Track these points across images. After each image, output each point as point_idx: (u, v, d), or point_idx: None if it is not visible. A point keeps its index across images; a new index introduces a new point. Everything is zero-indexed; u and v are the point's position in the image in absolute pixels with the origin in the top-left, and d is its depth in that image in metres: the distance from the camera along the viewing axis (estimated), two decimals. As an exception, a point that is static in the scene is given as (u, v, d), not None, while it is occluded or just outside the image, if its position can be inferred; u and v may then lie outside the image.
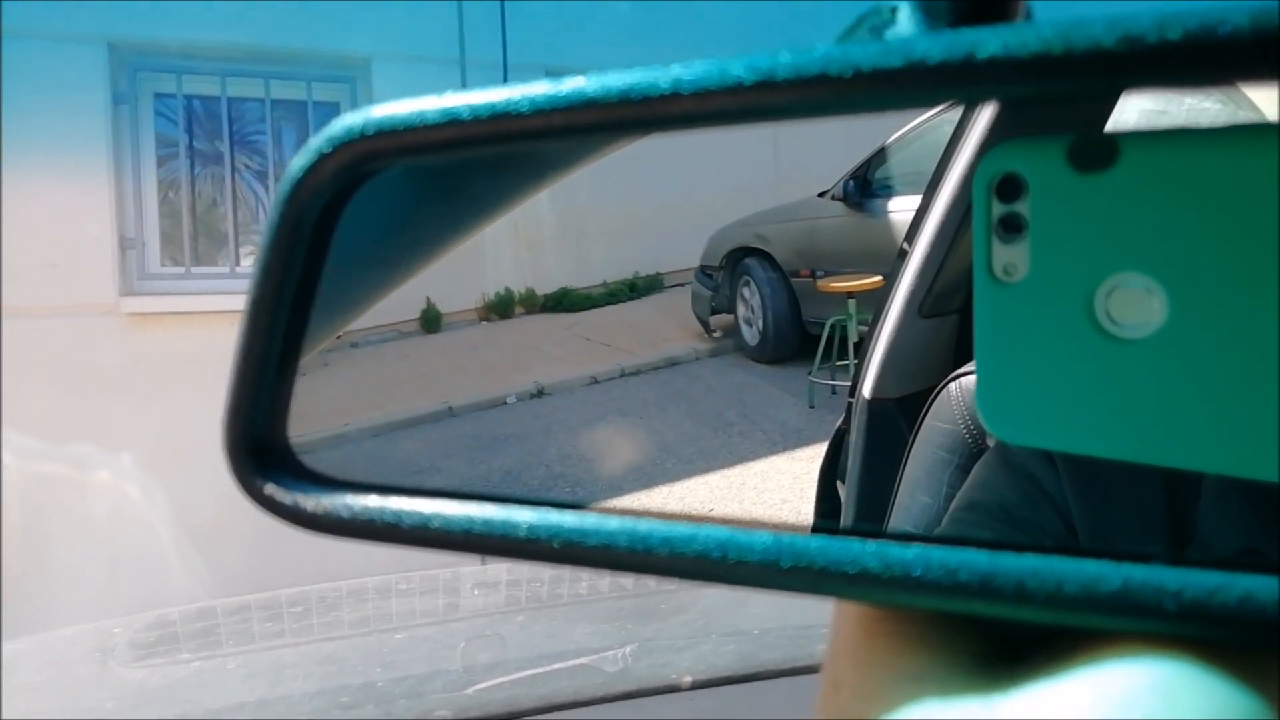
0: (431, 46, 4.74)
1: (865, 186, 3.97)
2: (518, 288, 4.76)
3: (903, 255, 1.13)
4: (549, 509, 0.23)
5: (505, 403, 3.76)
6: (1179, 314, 0.21)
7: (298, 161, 0.24)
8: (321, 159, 0.24)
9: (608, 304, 4.95)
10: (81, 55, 3.98)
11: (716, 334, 4.72)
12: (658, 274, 5.26)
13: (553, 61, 5.02)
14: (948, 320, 1.07)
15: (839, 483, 1.21)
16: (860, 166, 4.04)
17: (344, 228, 0.41)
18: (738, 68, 0.20)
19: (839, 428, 1.25)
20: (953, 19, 0.23)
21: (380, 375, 4.09)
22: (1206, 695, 0.18)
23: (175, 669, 1.34)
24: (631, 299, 5.14)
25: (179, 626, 1.50)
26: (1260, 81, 0.17)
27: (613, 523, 0.22)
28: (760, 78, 0.19)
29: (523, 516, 0.23)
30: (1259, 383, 0.20)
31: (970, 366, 0.83)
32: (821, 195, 4.17)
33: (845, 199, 4.01)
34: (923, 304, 1.05)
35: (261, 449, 0.27)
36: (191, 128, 4.44)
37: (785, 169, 4.74)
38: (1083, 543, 0.45)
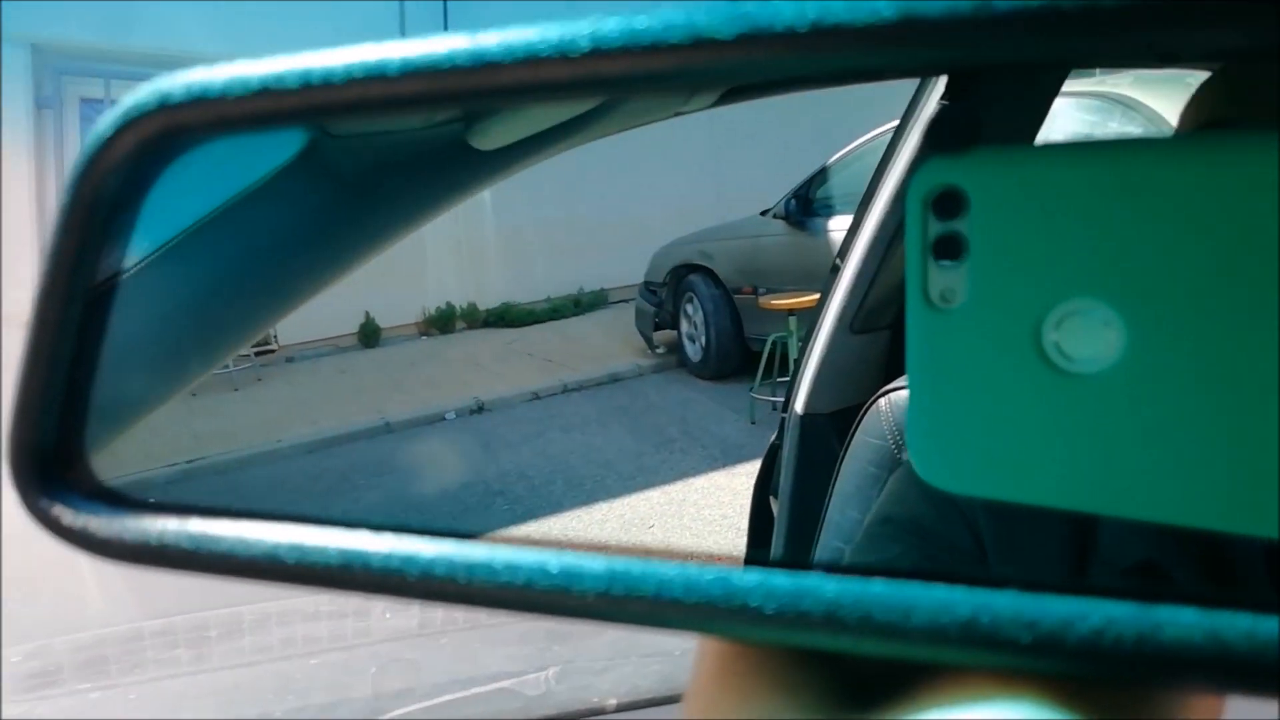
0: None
1: (806, 205, 4.03)
2: (459, 302, 4.71)
3: (836, 271, 1.13)
4: (370, 533, 0.20)
5: (444, 418, 3.71)
6: (1139, 347, 0.19)
7: (94, 133, 0.21)
8: (121, 131, 0.21)
9: (551, 319, 4.93)
10: (4, 57, 3.84)
11: (660, 350, 4.73)
12: (602, 290, 5.26)
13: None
14: (879, 336, 1.07)
15: (772, 498, 1.21)
16: (801, 185, 4.10)
17: (238, 231, 0.39)
18: (569, 34, 0.17)
19: (772, 443, 1.24)
20: None
21: (315, 390, 4.00)
22: None
23: (59, 702, 1.27)
24: (575, 314, 5.14)
25: (64, 657, 1.42)
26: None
27: (436, 547, 0.19)
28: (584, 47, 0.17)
29: (336, 542, 0.20)
30: (1229, 425, 0.18)
31: (901, 381, 0.82)
32: (764, 214, 4.22)
33: (787, 217, 4.06)
34: (854, 320, 1.05)
35: (49, 462, 0.23)
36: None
37: (728, 187, 4.78)
38: (990, 556, 0.45)
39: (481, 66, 0.18)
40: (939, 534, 0.46)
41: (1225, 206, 0.18)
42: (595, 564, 0.17)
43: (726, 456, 3.43)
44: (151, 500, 0.23)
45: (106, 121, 0.21)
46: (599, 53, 0.17)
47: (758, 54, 0.16)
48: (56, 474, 0.23)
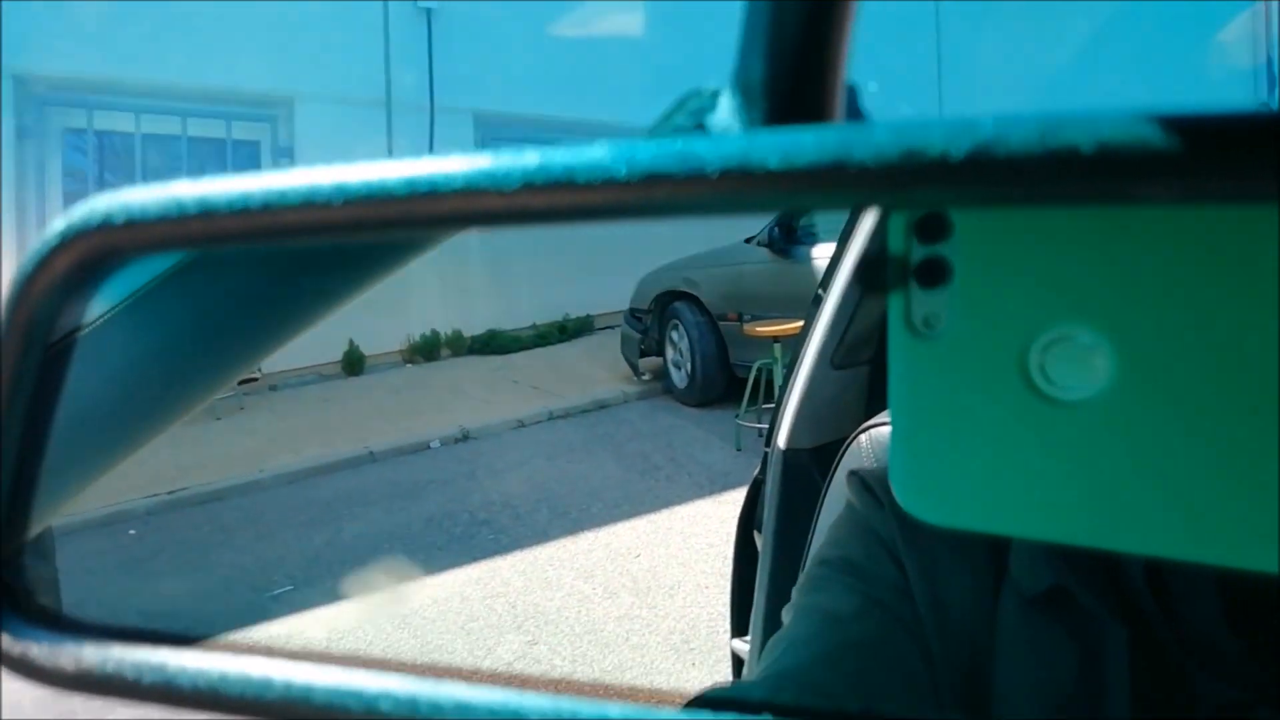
0: (357, 88, 4.71)
1: (790, 233, 4.05)
2: (444, 329, 4.70)
3: (818, 302, 1.13)
4: (316, 666, 0.19)
5: (429, 447, 3.69)
6: (1129, 374, 0.18)
7: (28, 257, 0.21)
8: (54, 253, 0.21)
9: (537, 346, 4.92)
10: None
11: (645, 376, 4.72)
12: (588, 316, 5.26)
13: (480, 106, 5.03)
14: (860, 371, 1.07)
15: (756, 533, 1.20)
16: (786, 213, 4.13)
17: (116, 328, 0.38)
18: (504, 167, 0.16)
19: (755, 478, 1.24)
20: (770, 115, 0.21)
21: (298, 419, 3.97)
22: None
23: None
24: (561, 341, 5.13)
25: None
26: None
27: (382, 683, 0.18)
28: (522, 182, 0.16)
29: (281, 673, 0.19)
30: (1221, 455, 0.18)
31: (882, 416, 0.82)
32: (748, 241, 4.24)
33: (771, 245, 4.08)
34: (835, 355, 1.05)
35: None
36: (103, 164, 4.31)
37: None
38: (913, 587, 0.45)
39: (419, 195, 0.18)
40: (870, 572, 0.46)
41: (1216, 229, 0.18)
42: (540, 703, 0.17)
43: (713, 484, 3.42)
44: (93, 624, 0.22)
45: (39, 247, 0.21)
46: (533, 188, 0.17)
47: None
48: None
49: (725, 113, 0.21)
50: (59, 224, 0.21)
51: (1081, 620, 0.41)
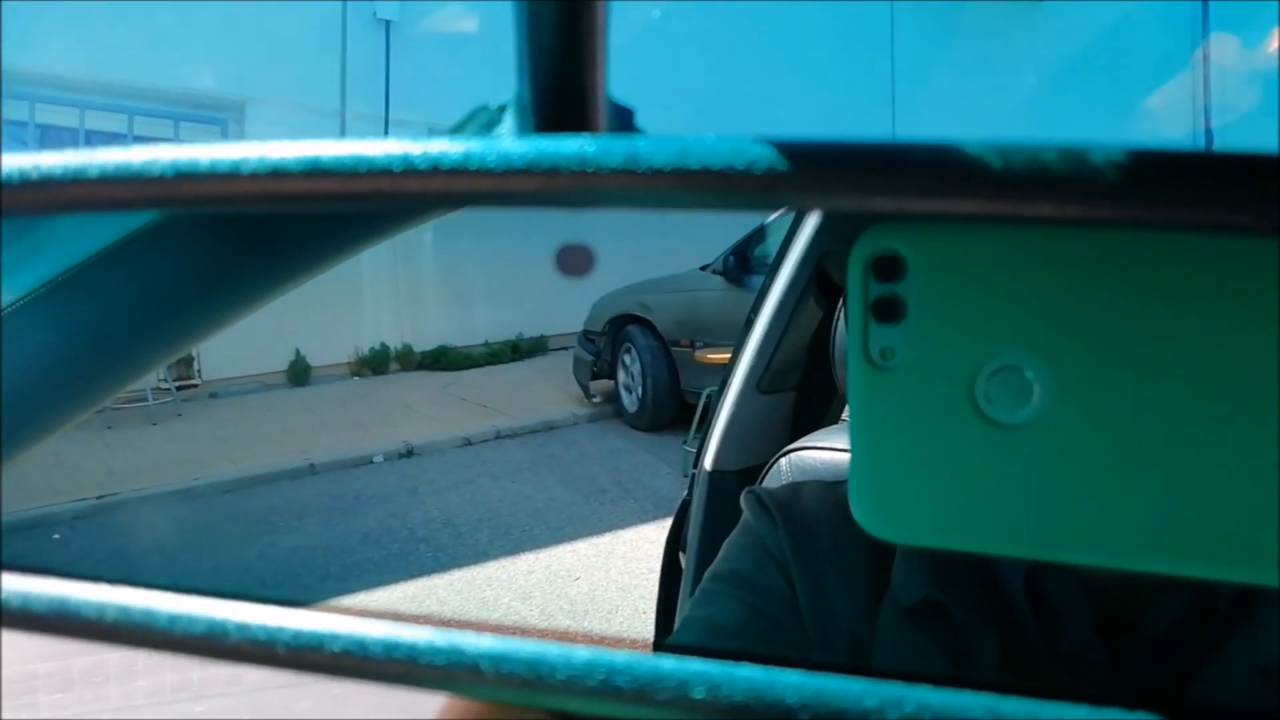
0: (312, 95, 4.67)
1: (744, 262, 4.09)
2: (394, 343, 4.65)
3: (749, 326, 1.15)
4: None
5: (372, 461, 3.63)
6: (1062, 398, 0.20)
7: None
8: None
9: (488, 364, 4.89)
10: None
11: (596, 399, 4.71)
12: (542, 336, 5.24)
13: (435, 119, 5.02)
14: (785, 396, 1.09)
15: (681, 553, 1.20)
16: (741, 243, 4.17)
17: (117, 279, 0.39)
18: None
19: (684, 499, 1.24)
20: (539, 125, 0.23)
21: (238, 428, 3.89)
22: None
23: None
24: (514, 360, 5.10)
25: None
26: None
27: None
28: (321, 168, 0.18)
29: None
30: (1145, 469, 0.20)
31: (803, 441, 0.83)
32: (703, 269, 4.27)
33: (725, 273, 4.12)
34: (761, 380, 1.07)
35: None
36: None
37: (670, 239, 4.84)
38: (801, 600, 0.46)
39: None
40: (758, 584, 0.47)
41: (1140, 269, 0.20)
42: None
43: (657, 509, 3.42)
44: (27, 564, 0.23)
45: None
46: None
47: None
48: None
49: (507, 127, 0.24)
50: None
51: (954, 631, 0.43)
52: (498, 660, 0.18)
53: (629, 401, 4.45)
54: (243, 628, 0.20)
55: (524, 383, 4.88)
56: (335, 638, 0.19)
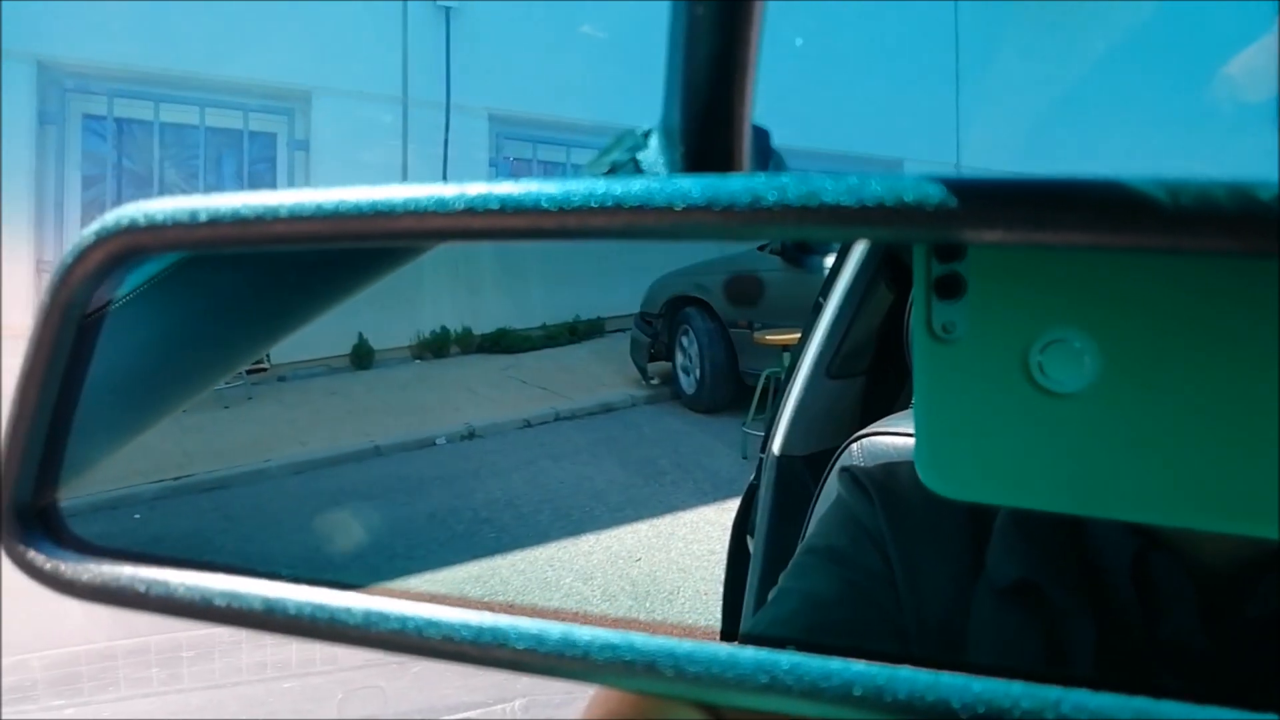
0: (374, 83, 4.73)
1: (803, 243, 4.04)
2: (454, 326, 4.71)
3: (817, 310, 1.13)
4: (289, 584, 0.24)
5: (435, 444, 3.69)
6: (1111, 370, 0.22)
7: (69, 251, 0.26)
8: (89, 248, 0.26)
9: (546, 347, 4.92)
10: (9, 73, 3.87)
11: (654, 381, 4.72)
12: (599, 318, 5.26)
13: (495, 106, 5.05)
14: (855, 381, 1.08)
15: (749, 537, 1.20)
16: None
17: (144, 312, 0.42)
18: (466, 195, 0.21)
19: (751, 483, 1.24)
20: (687, 152, 0.24)
21: (305, 410, 3.99)
22: None
23: None
24: (571, 343, 5.13)
25: (39, 674, 1.41)
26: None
27: (341, 599, 0.23)
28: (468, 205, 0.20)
29: (260, 590, 0.24)
30: (1184, 435, 0.21)
31: (875, 426, 0.83)
32: (761, 249, 4.24)
33: (784, 254, 4.08)
34: (830, 365, 1.06)
35: (27, 514, 0.28)
36: (121, 150, 4.36)
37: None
38: (897, 576, 0.47)
39: (387, 214, 0.22)
40: (854, 560, 0.48)
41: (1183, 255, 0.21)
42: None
43: (717, 491, 3.42)
44: (113, 548, 0.27)
45: (83, 237, 0.26)
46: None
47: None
48: (34, 525, 0.28)
49: (653, 153, 0.26)
50: (94, 225, 0.26)
51: (1050, 615, 0.42)
52: (679, 660, 0.19)
53: (686, 383, 4.45)
54: (321, 609, 0.23)
55: (581, 365, 4.91)
56: (518, 634, 0.22)
